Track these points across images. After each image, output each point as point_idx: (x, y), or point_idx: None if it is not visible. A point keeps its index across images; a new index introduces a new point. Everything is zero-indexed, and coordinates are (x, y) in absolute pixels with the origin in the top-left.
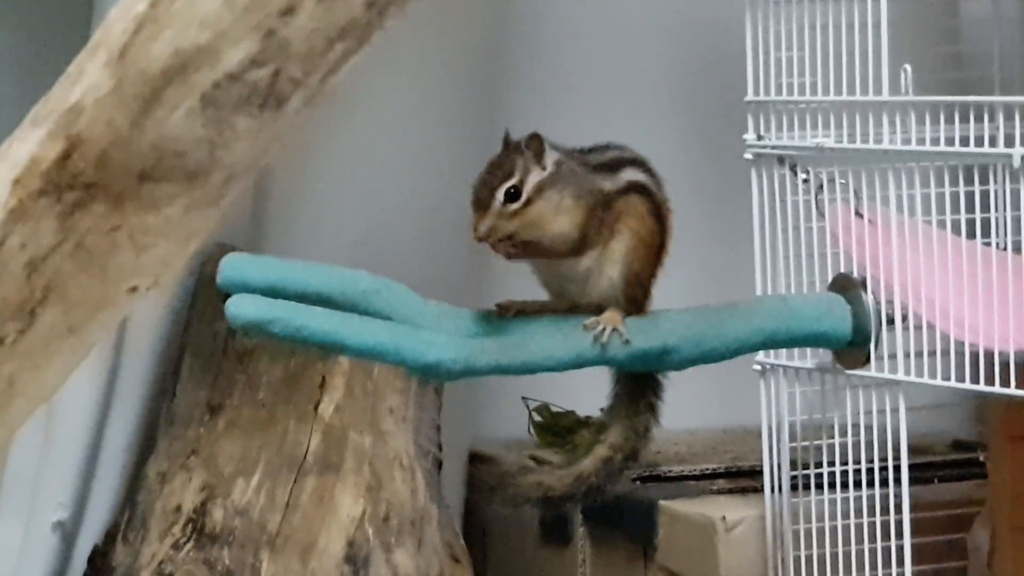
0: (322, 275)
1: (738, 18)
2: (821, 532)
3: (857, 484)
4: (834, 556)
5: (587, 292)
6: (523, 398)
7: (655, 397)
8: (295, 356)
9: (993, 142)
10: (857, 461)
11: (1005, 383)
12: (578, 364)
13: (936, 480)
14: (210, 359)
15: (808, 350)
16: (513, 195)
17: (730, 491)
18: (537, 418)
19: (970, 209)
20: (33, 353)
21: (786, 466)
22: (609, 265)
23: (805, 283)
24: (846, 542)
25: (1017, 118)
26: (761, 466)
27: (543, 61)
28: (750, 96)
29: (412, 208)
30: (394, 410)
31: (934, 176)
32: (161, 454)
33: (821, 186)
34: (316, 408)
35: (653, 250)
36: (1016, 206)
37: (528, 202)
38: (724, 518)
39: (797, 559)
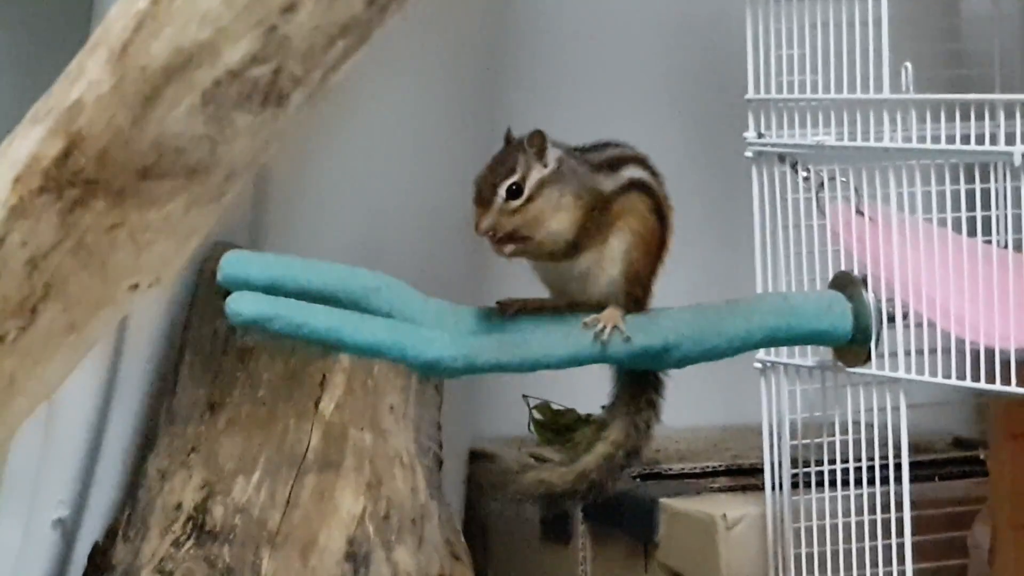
0: (322, 272)
1: (739, 16)
2: (822, 530)
3: (858, 482)
4: (835, 554)
5: (587, 290)
6: (523, 396)
7: (656, 395)
8: (295, 354)
9: (994, 140)
10: (858, 459)
11: (1006, 381)
12: (579, 362)
13: (937, 478)
14: (210, 357)
15: (808, 348)
16: (515, 192)
17: (731, 489)
18: (538, 416)
19: (971, 207)
20: (34, 351)
21: (787, 464)
22: (609, 263)
23: (806, 281)
24: (847, 540)
25: (1018, 116)
26: (762, 464)
27: (544, 59)
28: (751, 94)
29: (413, 205)
30: (394, 408)
31: (935, 174)
32: (161, 452)
33: (822, 184)
34: (316, 406)
35: (653, 248)
36: (1017, 204)
37: (530, 199)
38: (725, 516)
39: (798, 557)
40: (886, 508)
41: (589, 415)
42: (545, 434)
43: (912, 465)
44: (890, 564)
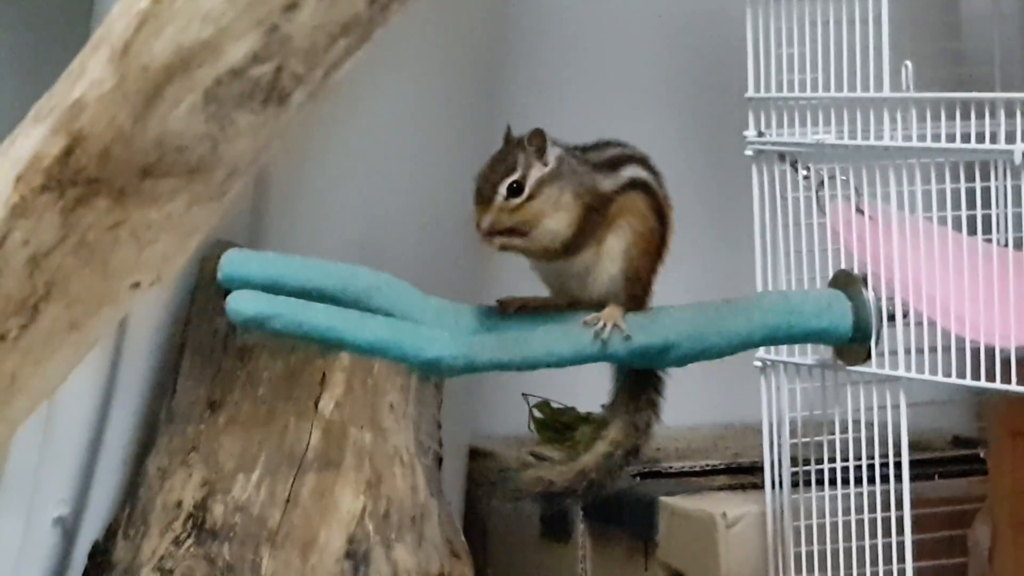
0: (323, 271)
1: (739, 14)
2: (822, 528)
3: (858, 480)
4: (835, 552)
5: (588, 288)
6: (523, 394)
7: (656, 393)
8: (295, 352)
9: (994, 138)
10: (858, 457)
11: (1006, 379)
12: (579, 360)
13: (936, 476)
14: (210, 355)
15: (809, 346)
16: (515, 190)
17: (731, 487)
18: (537, 414)
19: (971, 205)
20: (35, 349)
21: (787, 462)
22: (609, 261)
23: (806, 279)
24: (847, 538)
25: (1018, 114)
26: (762, 462)
27: (544, 58)
28: (751, 92)
29: (413, 204)
30: (394, 406)
31: (935, 172)
32: (161, 450)
33: (822, 182)
34: (316, 404)
35: (654, 246)
36: (1017, 202)
37: (530, 197)
38: (725, 514)
39: (798, 555)
40: (886, 506)
41: (589, 413)
42: (545, 432)
43: (912, 463)
44: (890, 562)
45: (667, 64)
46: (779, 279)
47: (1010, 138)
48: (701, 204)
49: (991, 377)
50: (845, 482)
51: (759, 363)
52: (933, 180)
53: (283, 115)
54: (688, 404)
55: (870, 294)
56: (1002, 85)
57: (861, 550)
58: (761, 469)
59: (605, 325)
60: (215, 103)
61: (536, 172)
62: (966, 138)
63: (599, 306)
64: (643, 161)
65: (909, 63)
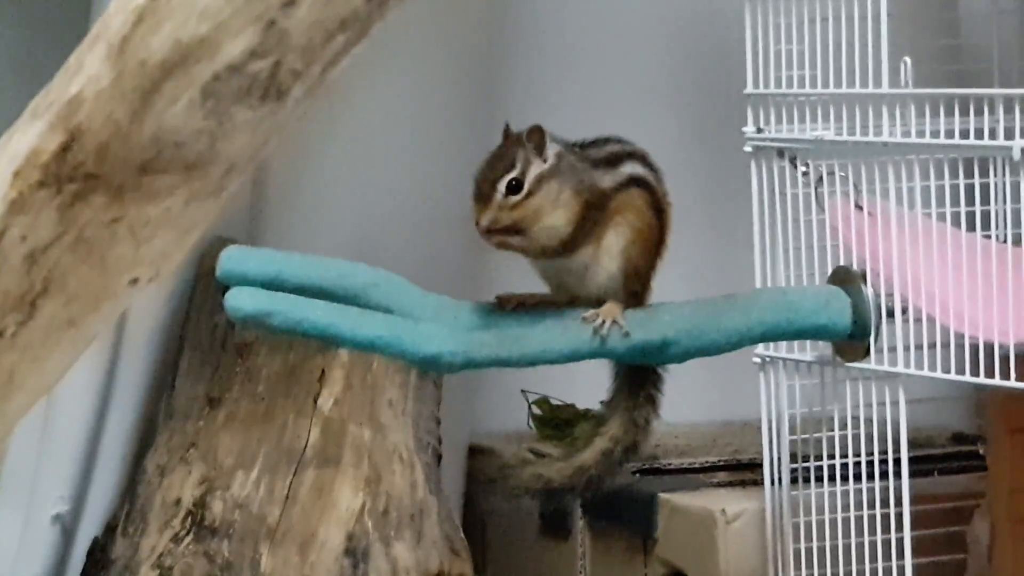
0: (321, 268)
1: (737, 11)
2: (821, 525)
3: (857, 477)
4: (834, 549)
5: (586, 285)
6: (522, 391)
7: (655, 390)
8: (294, 349)
9: (993, 135)
10: (857, 454)
11: (1005, 376)
12: (577, 357)
13: (936, 473)
14: (209, 352)
15: (808, 343)
16: (515, 187)
17: (730, 484)
18: (536, 411)
19: (970, 202)
20: (33, 345)
21: (786, 459)
22: (608, 258)
23: (804, 276)
24: (846, 535)
25: (1017, 111)
26: (761, 459)
27: (542, 54)
28: (749, 89)
29: (411, 201)
30: (393, 403)
31: (934, 169)
32: (160, 447)
33: (821, 179)
34: (315, 401)
35: (652, 243)
36: (1016, 199)
37: (529, 194)
38: (724, 511)
39: (797, 552)
40: (885, 503)
41: (588, 410)
42: (544, 429)
43: (911, 460)
44: (889, 559)
45: (666, 60)
46: (778, 275)
47: (1009, 134)
48: (700, 200)
49: (990, 373)
50: (844, 478)
51: (758, 359)
52: (932, 176)
53: (281, 111)
54: (687, 401)
55: (869, 290)
56: (1001, 81)
57: (860, 546)
58: (760, 465)
59: (604, 321)
60: (213, 99)
61: (535, 169)
62: (965, 134)
63: (598, 303)
64: (642, 157)
65: (908, 59)
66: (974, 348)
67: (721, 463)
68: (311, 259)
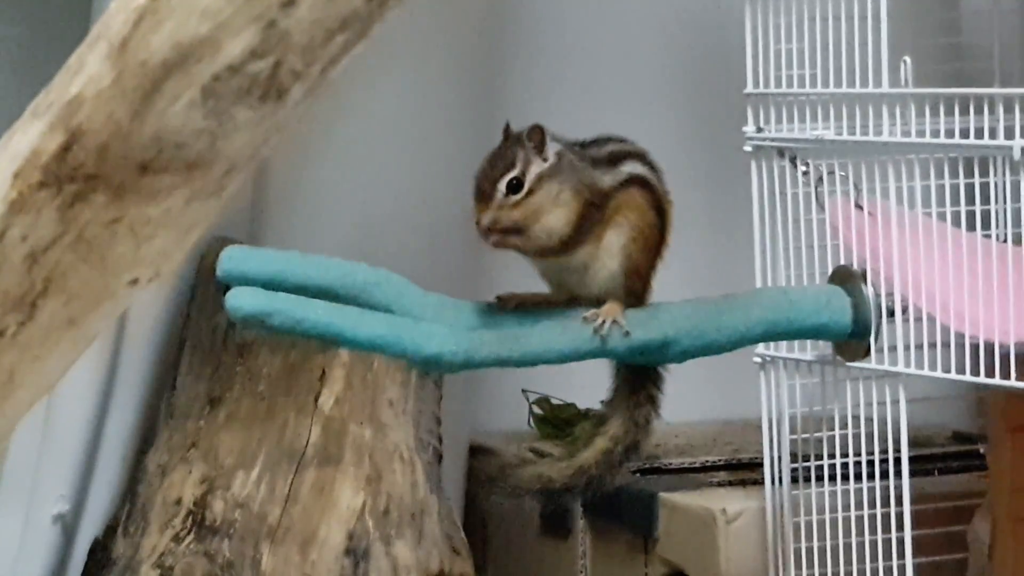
0: (322, 267)
1: (738, 10)
2: (821, 524)
3: (857, 476)
4: (834, 548)
5: (587, 284)
6: (523, 390)
7: (655, 389)
8: (295, 348)
9: (993, 134)
10: (857, 453)
11: (1005, 375)
12: (578, 356)
13: (936, 472)
14: (210, 351)
15: (808, 342)
16: (515, 186)
17: (730, 483)
18: (537, 410)
19: (970, 201)
20: (33, 345)
21: (786, 458)
22: (608, 257)
23: (805, 275)
24: (846, 534)
25: (1017, 110)
26: (761, 458)
27: (542, 53)
28: (749, 88)
29: (412, 200)
30: (394, 402)
31: (934, 168)
32: (161, 447)
33: (821, 178)
34: (316, 400)
35: (653, 242)
36: (1016, 198)
37: (530, 193)
38: (724, 510)
39: (797, 551)
40: (886, 502)
41: (589, 410)
42: (545, 429)
43: (912, 459)
44: (890, 558)
45: (666, 60)
46: (778, 275)
47: (1009, 134)
48: (700, 200)
49: (991, 373)
50: (845, 478)
51: (758, 359)
52: (932, 176)
53: (281, 111)
54: (687, 400)
55: (869, 290)
56: (1001, 80)
57: (861, 546)
58: (761, 465)
59: (604, 321)
60: (213, 99)
61: (535, 168)
62: (965, 134)
63: (598, 302)
64: (642, 157)
65: (908, 59)
66: (974, 347)
67: (722, 462)
68: (312, 259)
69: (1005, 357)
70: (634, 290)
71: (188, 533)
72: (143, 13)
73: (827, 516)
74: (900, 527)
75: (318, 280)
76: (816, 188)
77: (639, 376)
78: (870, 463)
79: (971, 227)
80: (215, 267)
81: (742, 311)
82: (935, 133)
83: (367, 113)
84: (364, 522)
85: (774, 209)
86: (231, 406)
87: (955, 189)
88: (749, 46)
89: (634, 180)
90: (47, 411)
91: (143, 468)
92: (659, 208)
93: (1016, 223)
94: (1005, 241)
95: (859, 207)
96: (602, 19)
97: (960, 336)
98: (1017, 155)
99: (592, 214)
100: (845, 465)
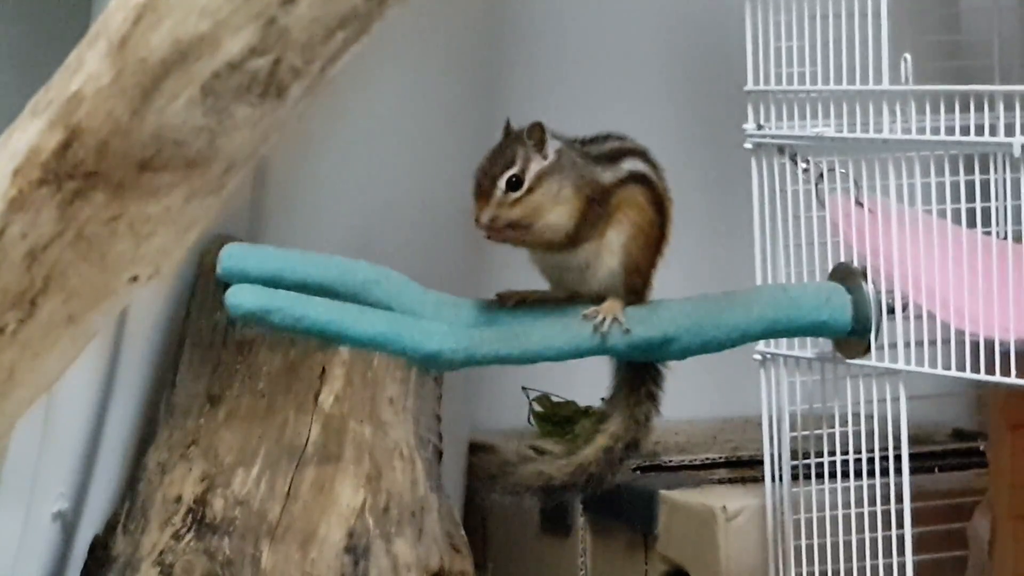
0: (321, 265)
1: (738, 7)
2: (822, 521)
3: (858, 473)
4: (835, 545)
5: (587, 281)
6: (523, 388)
7: (655, 387)
8: (295, 346)
9: (993, 131)
10: (858, 450)
11: (1005, 372)
12: (578, 354)
13: (936, 469)
14: (210, 349)
15: (808, 339)
16: (515, 184)
17: (730, 481)
18: (537, 408)
19: (970, 198)
20: (33, 343)
21: (786, 455)
22: (609, 255)
23: (805, 272)
24: (847, 531)
25: (1017, 107)
26: (761, 456)
27: (542, 51)
28: (750, 85)
29: (412, 198)
30: (394, 400)
31: (934, 165)
32: (161, 444)
33: (821, 175)
34: (316, 398)
35: (653, 240)
36: (1016, 195)
37: (529, 191)
38: (724, 508)
39: (798, 548)
40: (886, 499)
41: (589, 407)
42: (545, 426)
43: (912, 456)
44: (890, 555)
45: (666, 57)
46: (778, 272)
47: (1009, 131)
48: (700, 197)
49: (991, 370)
50: (845, 475)
51: (759, 356)
52: (932, 173)
53: (281, 108)
54: (688, 397)
55: (870, 287)
56: (1001, 77)
57: (861, 542)
58: (761, 462)
59: (604, 319)
60: (213, 96)
61: (535, 165)
62: (965, 131)
63: (599, 299)
64: (642, 154)
65: (908, 56)
66: (975, 344)
67: (722, 460)
68: (312, 256)
69: (1005, 354)
70: (634, 287)
71: (188, 531)
72: (142, 11)
73: (827, 513)
74: (900, 524)
75: (318, 278)
76: (816, 185)
77: (639, 373)
78: (870, 460)
79: (971, 224)
80: (215, 265)
81: (742, 308)
82: (935, 130)
83: (367, 111)
84: (364, 520)
85: (774, 206)
86: (231, 404)
87: (955, 186)
88: (749, 43)
89: (634, 177)
90: (47, 409)
91: (143, 466)
92: (659, 205)
93: (1016, 220)
94: (1005, 238)
95: (859, 204)
96: (602, 16)
97: (960, 333)
98: (1017, 152)
99: (593, 211)
100: (845, 462)
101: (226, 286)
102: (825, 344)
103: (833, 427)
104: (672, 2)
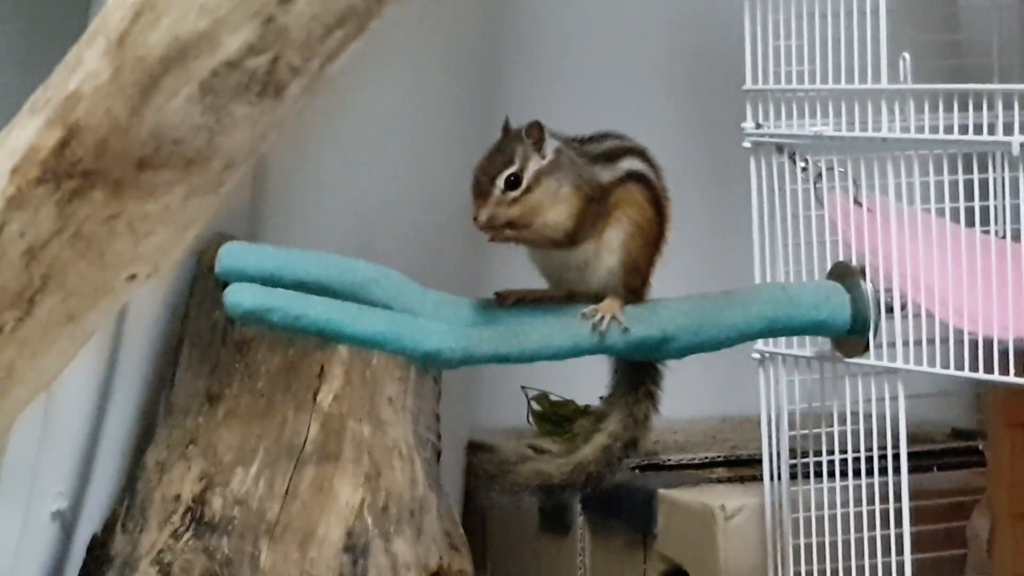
0: (320, 264)
1: (737, 6)
2: (820, 520)
3: (856, 472)
4: (833, 544)
5: (586, 280)
6: (522, 387)
7: (654, 385)
8: (294, 345)
9: (992, 130)
10: (856, 449)
11: (1004, 371)
12: (577, 352)
13: (935, 468)
14: (209, 348)
15: (807, 338)
16: (513, 183)
17: (729, 479)
18: (536, 407)
19: (969, 197)
20: (32, 341)
21: (785, 454)
22: (607, 253)
23: (804, 271)
24: (845, 530)
25: (1016, 106)
26: (760, 454)
27: (542, 49)
28: (748, 84)
29: (410, 197)
30: (393, 399)
31: (933, 164)
32: (160, 443)
33: (820, 174)
34: (315, 397)
35: (651, 239)
36: (1015, 194)
37: (528, 190)
38: (723, 506)
39: (796, 547)
40: (885, 498)
41: (588, 406)
42: (544, 425)
43: (911, 455)
44: (889, 554)
45: (665, 56)
46: (777, 271)
47: (1008, 129)
48: (699, 196)
49: (990, 369)
50: (844, 474)
51: (757, 355)
52: (931, 172)
53: (279, 107)
54: (686, 396)
55: (868, 286)
56: (1000, 76)
57: (860, 542)
58: (760, 461)
59: (603, 317)
60: (211, 95)
61: (534, 164)
62: (964, 129)
63: (597, 298)
64: (641, 153)
65: (907, 54)
66: (974, 344)
67: (720, 459)
68: (310, 255)
69: (1004, 353)
70: (633, 286)
71: (187, 530)
72: (141, 9)
73: (826, 512)
74: (899, 523)
75: (317, 276)
76: (815, 184)
77: (638, 372)
78: (869, 459)
79: (970, 223)
80: (214, 264)
81: (741, 307)
82: (934, 129)
83: (366, 109)
84: (363, 519)
85: (773, 205)
86: (230, 403)
87: (954, 185)
88: (748, 42)
89: (633, 176)
90: (46, 407)
91: (142, 465)
92: (658, 204)
93: (1015, 219)
94: (1004, 237)
95: (858, 203)
96: (601, 15)
97: (959, 332)
98: (1016, 151)
99: (591, 210)
100: (844, 461)
101: (225, 285)
102: (824, 343)
103: (832, 426)
104: (671, 1)
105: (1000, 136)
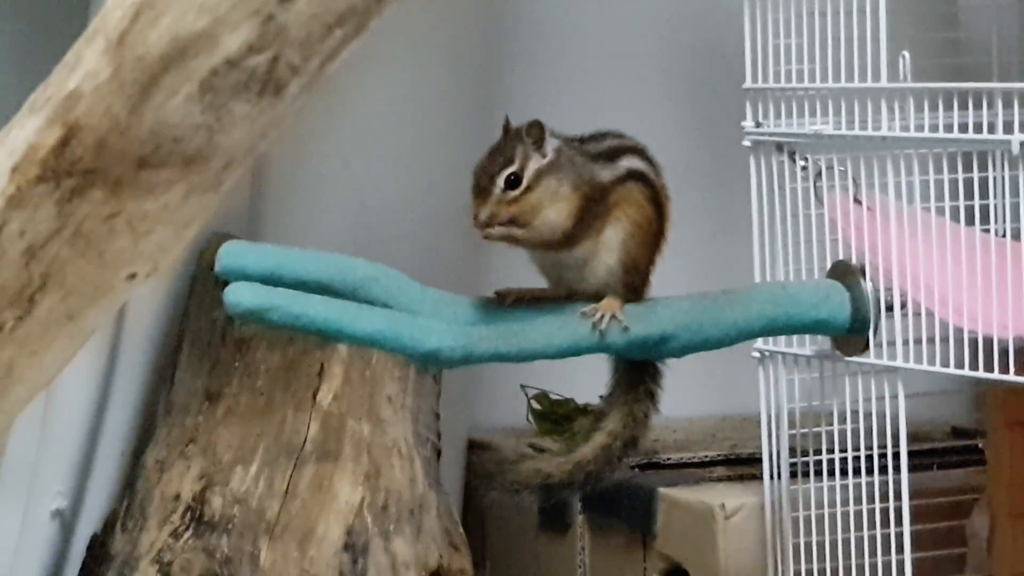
0: (320, 263)
1: (736, 5)
2: (820, 519)
3: (856, 471)
4: (833, 543)
5: (585, 279)
6: (522, 386)
7: (654, 384)
8: (293, 344)
9: (992, 129)
10: (856, 448)
11: (1004, 370)
12: (576, 351)
13: (935, 467)
14: (208, 347)
15: (807, 337)
16: (513, 182)
17: (729, 478)
18: (536, 406)
19: (969, 196)
20: (31, 340)
21: (785, 453)
22: (607, 252)
23: (804, 270)
24: (845, 529)
25: (1016, 104)
26: (760, 453)
27: (541, 48)
28: (748, 83)
29: (410, 196)
30: (392, 398)
31: (933, 163)
32: (160, 442)
33: (820, 173)
34: (314, 396)
35: (651, 237)
36: (1015, 193)
37: (528, 189)
38: (723, 505)
39: (796, 546)
40: (884, 497)
41: (587, 405)
42: (543, 424)
43: (910, 454)
44: (889, 553)
45: (665, 55)
46: (777, 270)
47: (1008, 128)
48: (699, 195)
49: (990, 367)
50: (844, 473)
51: (757, 354)
52: (931, 170)
53: (279, 106)
54: (686, 395)
55: (868, 284)
56: (1000, 75)
57: (860, 540)
58: (759, 460)
59: (603, 316)
60: (211, 93)
61: (534, 164)
62: (964, 128)
63: (597, 297)
64: (641, 152)
65: (907, 53)
66: (973, 342)
67: (720, 457)
68: (310, 254)
69: (1004, 352)
70: (632, 285)
71: (186, 529)
72: (141, 8)
73: (826, 511)
74: (899, 522)
75: (317, 275)
76: (815, 183)
77: (638, 371)
78: (869, 458)
79: (970, 222)
80: (214, 262)
81: (741, 306)
82: (934, 128)
83: (366, 108)
84: (363, 518)
85: (773, 204)
86: (229, 401)
87: (954, 184)
88: (748, 41)
89: (632, 175)
90: (45, 406)
91: (141, 464)
92: (657, 203)
93: (1015, 218)
94: (1004, 236)
95: (858, 202)
96: (601, 14)
97: (959, 331)
98: (1016, 149)
99: (591, 209)
100: (844, 460)
101: (225, 284)
102: (824, 342)
103: (832, 424)
104: (671, 0)
105: (1000, 135)
